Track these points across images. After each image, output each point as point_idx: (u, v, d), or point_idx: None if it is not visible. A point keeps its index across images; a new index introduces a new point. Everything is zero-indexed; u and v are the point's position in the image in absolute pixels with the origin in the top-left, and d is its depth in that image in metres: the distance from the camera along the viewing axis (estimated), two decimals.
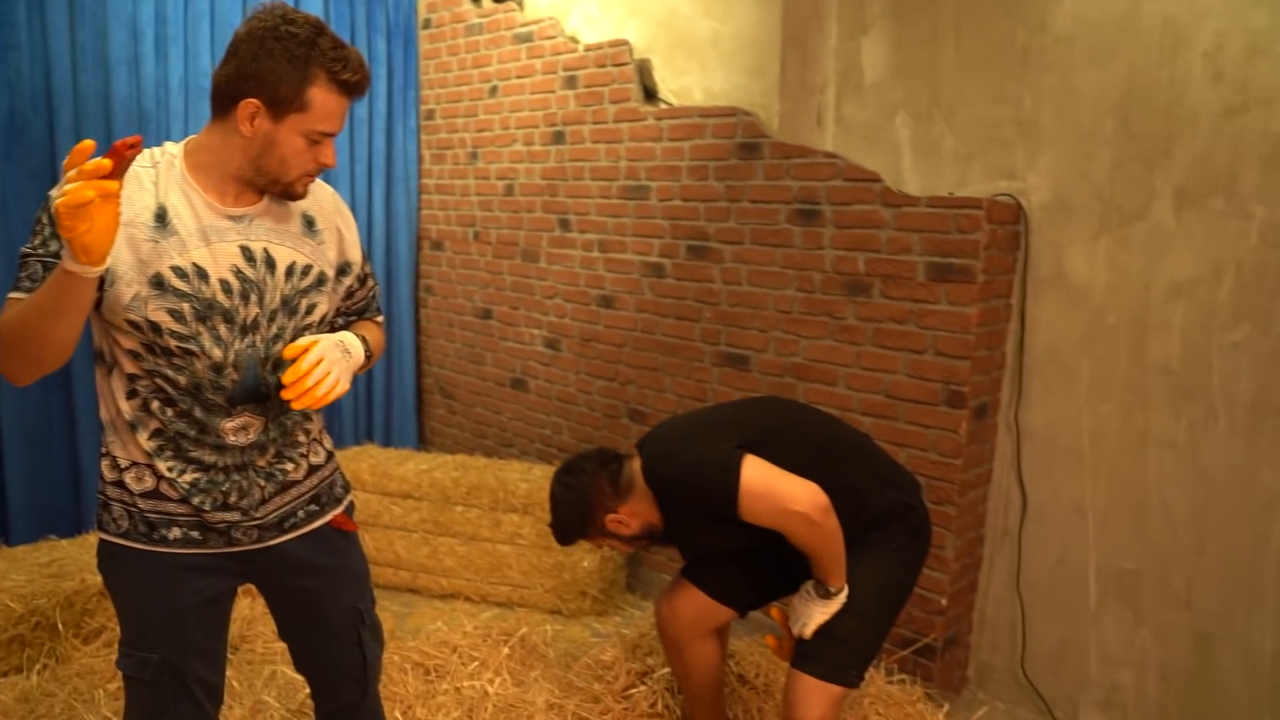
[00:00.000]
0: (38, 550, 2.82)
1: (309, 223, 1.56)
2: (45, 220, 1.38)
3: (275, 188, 1.47)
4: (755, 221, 3.00)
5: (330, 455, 1.71)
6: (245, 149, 1.42)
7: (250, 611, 2.81)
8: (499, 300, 4.05)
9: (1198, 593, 2.38)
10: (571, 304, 3.70)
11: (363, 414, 4.33)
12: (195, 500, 1.50)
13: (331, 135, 1.45)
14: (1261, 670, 2.29)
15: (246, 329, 1.48)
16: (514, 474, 3.45)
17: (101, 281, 1.36)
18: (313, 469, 1.64)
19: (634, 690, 2.41)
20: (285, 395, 1.43)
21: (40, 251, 1.37)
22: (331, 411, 4.16)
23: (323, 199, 1.59)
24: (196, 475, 1.50)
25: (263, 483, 1.55)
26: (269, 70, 1.37)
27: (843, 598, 1.86)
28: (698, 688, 2.15)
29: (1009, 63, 2.53)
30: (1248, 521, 2.28)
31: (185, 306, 1.42)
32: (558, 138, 3.68)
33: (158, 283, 1.40)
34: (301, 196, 1.51)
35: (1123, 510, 2.49)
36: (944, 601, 2.66)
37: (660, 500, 1.94)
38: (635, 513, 1.96)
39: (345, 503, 1.73)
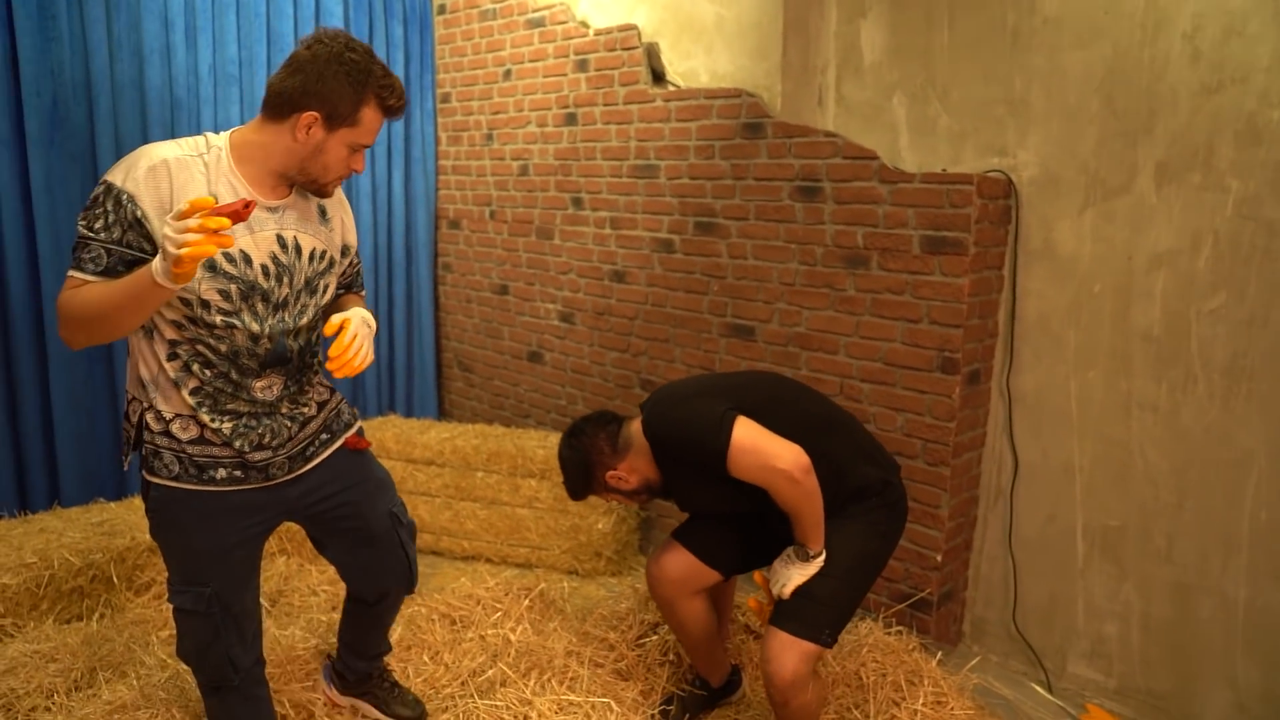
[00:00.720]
0: (89, 511, 3.01)
1: (322, 212, 1.77)
2: (109, 206, 1.52)
3: (312, 186, 1.68)
4: (759, 198, 3.12)
5: (332, 391, 1.93)
6: (295, 152, 1.62)
7: (286, 568, 2.99)
8: (515, 276, 4.18)
9: (1177, 547, 2.51)
10: (585, 279, 3.82)
11: (385, 387, 4.50)
12: (237, 444, 1.69)
13: (368, 147, 1.69)
14: (1236, 618, 2.43)
15: (279, 306, 1.69)
16: (531, 442, 3.60)
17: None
18: (320, 405, 1.88)
19: (646, 639, 2.57)
20: (329, 366, 1.66)
21: (103, 237, 1.53)
22: (356, 385, 4.33)
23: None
24: (234, 423, 1.69)
25: (289, 424, 1.77)
26: (332, 90, 1.58)
27: (820, 561, 1.98)
28: (693, 640, 2.30)
29: (1000, 44, 2.64)
30: (1223, 479, 2.41)
31: (233, 287, 1.61)
32: (570, 119, 3.79)
33: (211, 266, 1.58)
34: (329, 195, 1.74)
35: (1108, 470, 2.62)
36: (939, 558, 2.80)
37: (658, 456, 2.08)
38: (633, 469, 2.11)
39: (355, 427, 1.96)
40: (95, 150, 3.26)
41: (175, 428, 1.68)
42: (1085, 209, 2.57)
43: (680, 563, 2.20)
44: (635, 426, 2.11)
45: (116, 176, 1.54)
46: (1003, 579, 2.88)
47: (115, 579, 2.68)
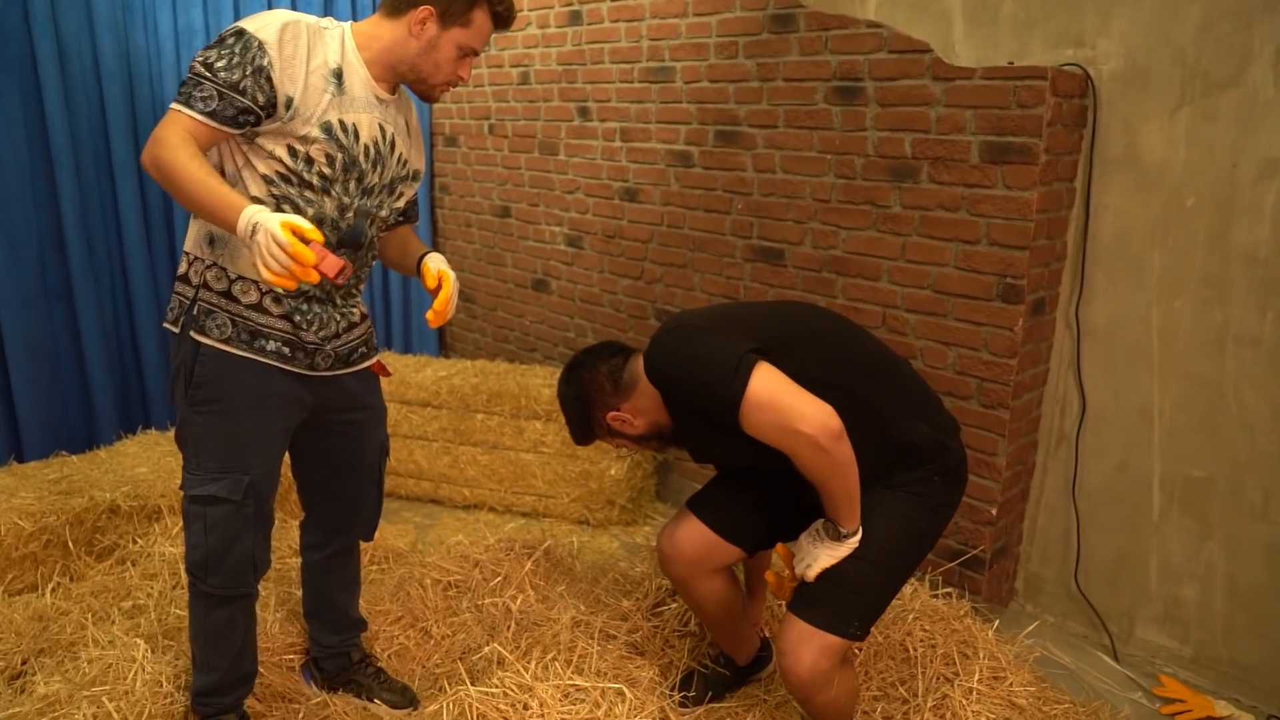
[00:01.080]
0: (48, 467, 2.76)
1: (408, 127, 1.84)
2: (237, 49, 1.53)
3: (420, 86, 1.74)
4: (790, 102, 2.78)
5: (365, 314, 1.96)
6: (410, 46, 1.68)
7: None
8: (517, 197, 3.85)
9: (1275, 503, 2.20)
10: (593, 198, 3.51)
11: (380, 320, 4.21)
12: (296, 318, 1.71)
13: (477, 54, 1.73)
14: None
15: (367, 191, 1.73)
16: (536, 380, 3.32)
17: (274, 108, 1.55)
18: (363, 317, 1.90)
19: (664, 607, 2.30)
20: (429, 316, 1.72)
21: (221, 78, 1.52)
22: None
23: (416, 116, 1.86)
24: (293, 301, 1.70)
25: (338, 318, 1.79)
26: None
27: (854, 542, 1.67)
28: (714, 620, 2.03)
29: None
30: None
31: (339, 156, 1.65)
32: (574, 18, 3.44)
33: (327, 129, 1.62)
34: (436, 100, 1.79)
35: (1193, 414, 2.30)
36: (994, 511, 2.50)
37: (665, 398, 1.76)
38: (639, 410, 1.79)
39: (380, 351, 2.01)
40: (35, 57, 2.89)
41: (237, 289, 1.67)
42: (1180, 107, 2.18)
43: (695, 539, 1.90)
44: (641, 361, 1.78)
45: (250, 25, 1.56)
46: (1063, 533, 2.57)
47: (71, 544, 2.42)
